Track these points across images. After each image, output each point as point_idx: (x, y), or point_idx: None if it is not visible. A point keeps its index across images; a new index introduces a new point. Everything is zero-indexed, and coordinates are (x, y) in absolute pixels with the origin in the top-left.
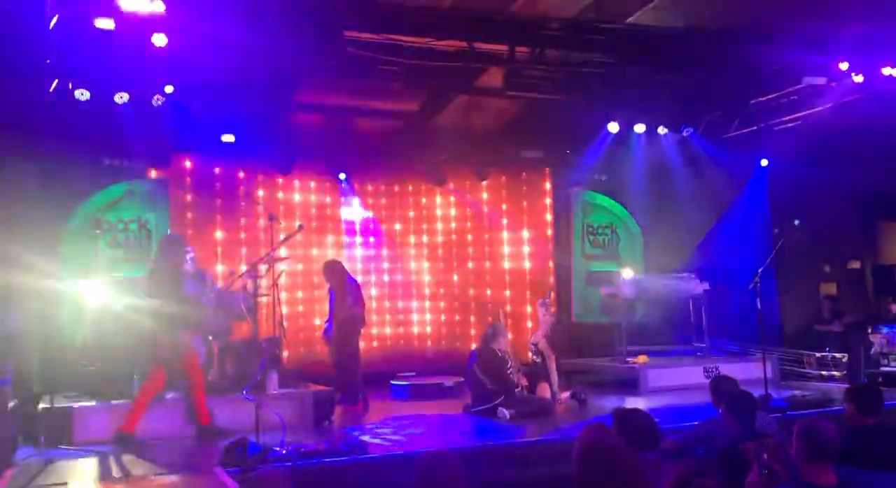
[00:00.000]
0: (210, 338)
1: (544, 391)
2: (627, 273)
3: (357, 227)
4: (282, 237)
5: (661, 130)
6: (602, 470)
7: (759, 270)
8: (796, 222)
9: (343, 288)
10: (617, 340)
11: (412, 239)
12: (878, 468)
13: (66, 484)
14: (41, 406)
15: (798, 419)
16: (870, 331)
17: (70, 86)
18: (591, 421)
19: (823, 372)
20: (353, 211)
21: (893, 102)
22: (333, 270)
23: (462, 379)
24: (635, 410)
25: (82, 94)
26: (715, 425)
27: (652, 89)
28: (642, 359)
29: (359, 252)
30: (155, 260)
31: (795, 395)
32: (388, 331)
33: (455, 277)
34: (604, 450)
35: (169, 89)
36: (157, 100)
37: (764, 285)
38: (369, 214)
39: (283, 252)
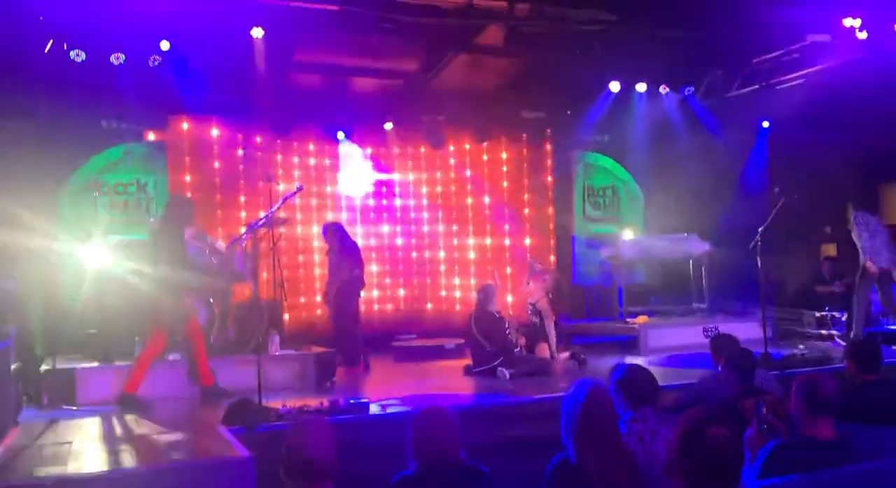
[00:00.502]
0: (211, 300)
1: (543, 351)
2: (628, 234)
3: (356, 190)
4: (280, 198)
5: (663, 90)
6: (582, 425)
7: (760, 229)
8: (776, 190)
9: (342, 250)
10: (617, 302)
11: (412, 201)
12: (878, 424)
13: (70, 442)
14: (43, 367)
15: (797, 376)
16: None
17: (65, 47)
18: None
19: (823, 332)
20: (353, 171)
21: None
22: (333, 232)
23: (463, 341)
24: (634, 366)
25: (78, 55)
26: (714, 382)
27: (653, 48)
28: (642, 319)
29: (358, 215)
30: (161, 222)
31: (795, 353)
32: (388, 293)
33: (455, 240)
34: (585, 408)
35: (165, 46)
36: (153, 60)
37: (765, 246)
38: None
39: (282, 214)
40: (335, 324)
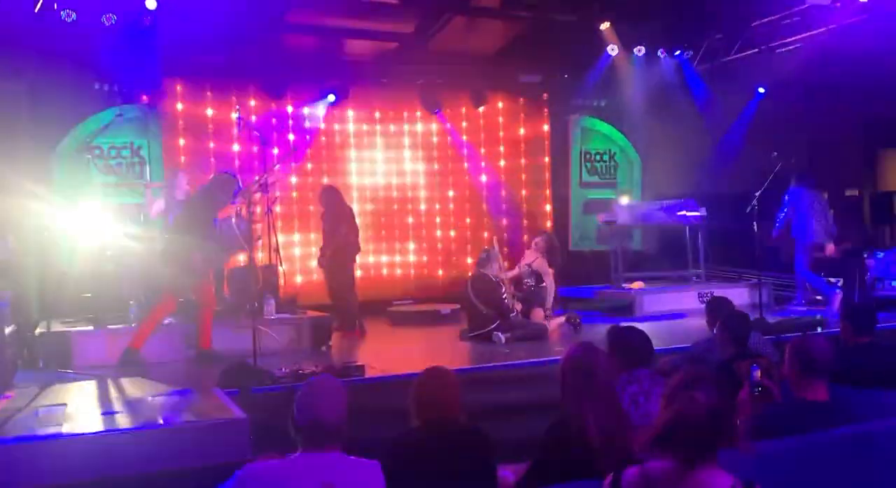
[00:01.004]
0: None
1: (538, 316)
2: (624, 199)
3: (352, 154)
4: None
5: (660, 53)
6: (580, 386)
7: (757, 194)
8: (774, 154)
9: (338, 214)
10: (613, 267)
11: (408, 166)
12: (870, 386)
13: (64, 404)
14: (39, 331)
15: (791, 338)
16: (866, 256)
17: (55, 6)
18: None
19: (818, 297)
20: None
21: None
22: (329, 196)
23: (459, 306)
24: (629, 327)
25: (69, 16)
26: (709, 345)
27: (652, 10)
28: (637, 284)
29: (354, 180)
30: (202, 192)
31: (790, 318)
32: (383, 258)
33: (451, 206)
34: (583, 366)
35: (151, 4)
36: (146, 20)
37: (761, 211)
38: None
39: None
40: (331, 288)
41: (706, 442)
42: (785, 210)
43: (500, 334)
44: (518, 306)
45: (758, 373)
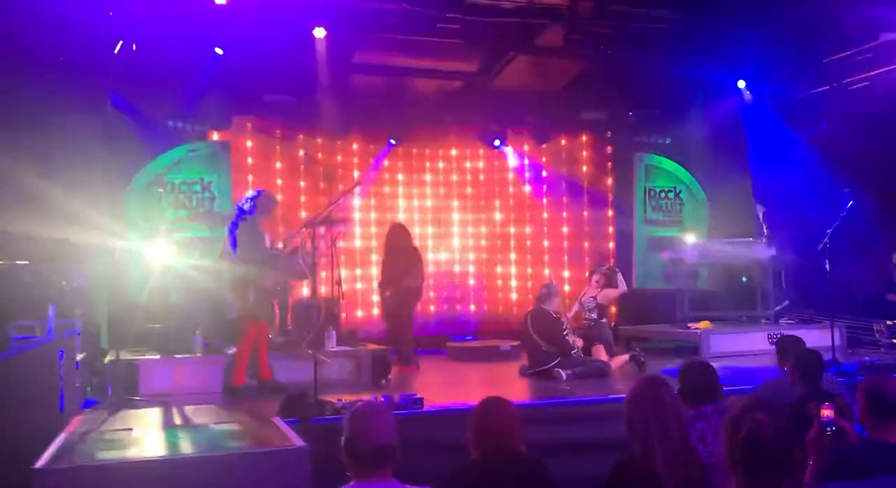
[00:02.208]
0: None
1: (599, 353)
2: (690, 238)
3: (413, 191)
4: (339, 195)
5: (741, 84)
6: (648, 419)
7: (829, 231)
8: (846, 191)
9: (409, 255)
10: (679, 307)
11: (469, 203)
12: None
13: (130, 429)
14: (108, 359)
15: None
16: None
17: (133, 47)
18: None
19: (894, 340)
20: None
21: None
22: (400, 234)
23: (518, 342)
24: (693, 361)
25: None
26: (778, 385)
27: (721, 47)
28: (704, 324)
29: (416, 216)
30: (250, 218)
31: (864, 362)
32: (444, 294)
33: (512, 242)
34: (651, 399)
35: (219, 51)
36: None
37: (834, 252)
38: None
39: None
40: (391, 326)
41: (776, 463)
42: None
43: (561, 371)
44: (579, 343)
45: (831, 413)
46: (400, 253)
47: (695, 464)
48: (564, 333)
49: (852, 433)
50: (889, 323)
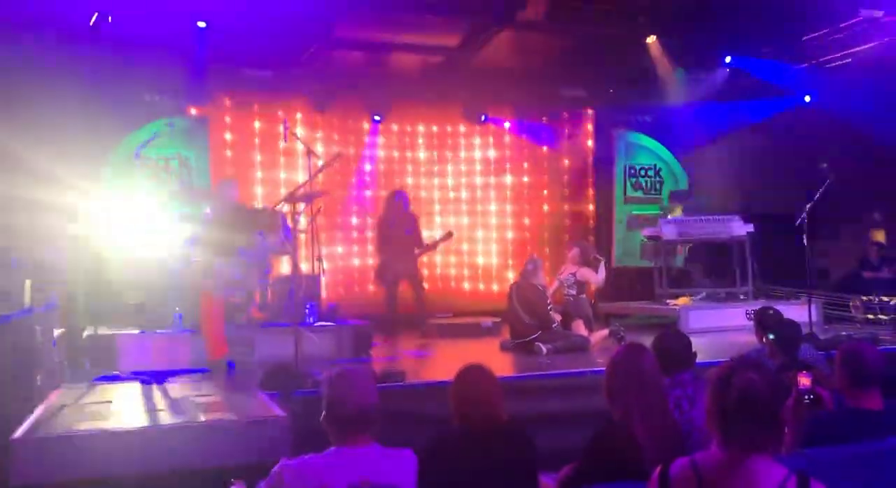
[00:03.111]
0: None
1: (579, 328)
2: (669, 215)
3: (394, 168)
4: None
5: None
6: (628, 386)
7: (808, 206)
8: (824, 165)
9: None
10: (657, 284)
11: (450, 181)
12: None
13: (110, 402)
14: (86, 334)
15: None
16: None
17: (110, 18)
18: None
19: (870, 316)
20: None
21: None
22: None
23: (499, 319)
24: (672, 331)
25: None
26: (757, 356)
27: (700, 24)
28: (683, 300)
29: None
30: (212, 206)
31: (841, 335)
32: (424, 272)
33: (493, 220)
34: (631, 366)
35: (201, 24)
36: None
37: (811, 229)
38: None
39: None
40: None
41: (768, 421)
42: None
43: (541, 345)
44: (557, 318)
45: (808, 381)
46: (411, 217)
47: (673, 430)
48: (548, 308)
49: (829, 401)
50: (865, 299)
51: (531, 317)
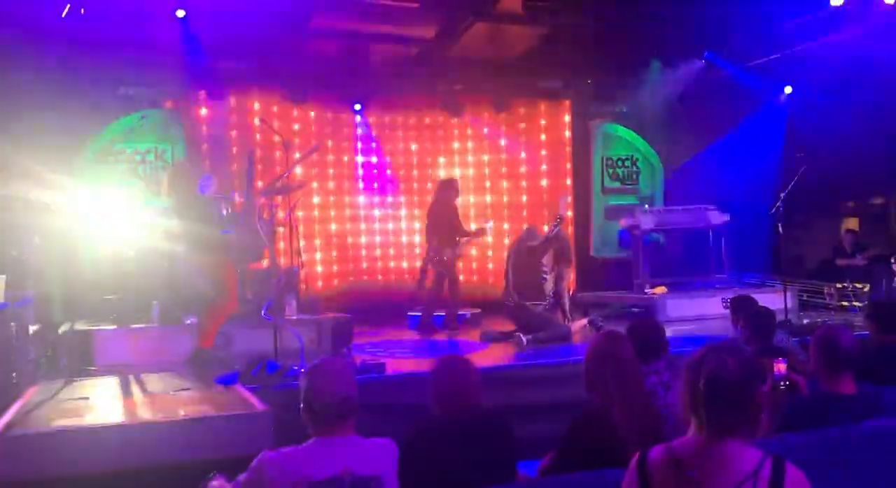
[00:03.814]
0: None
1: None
2: (646, 205)
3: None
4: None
5: (688, 58)
6: (607, 373)
7: (782, 194)
8: (799, 155)
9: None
10: (635, 273)
11: (429, 171)
12: None
13: (87, 398)
14: (61, 330)
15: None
16: (893, 262)
17: (82, 10)
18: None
19: (844, 302)
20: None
21: None
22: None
23: (479, 310)
24: (646, 320)
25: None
26: (734, 343)
27: (676, 14)
28: (660, 290)
29: (375, 185)
30: (170, 192)
31: (816, 322)
32: (405, 264)
33: (472, 211)
34: (609, 353)
35: (180, 13)
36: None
37: (785, 218)
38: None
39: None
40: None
41: (741, 404)
42: None
43: (522, 336)
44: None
45: (783, 366)
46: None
47: (652, 417)
48: (540, 274)
49: (804, 386)
50: (839, 286)
51: (517, 278)
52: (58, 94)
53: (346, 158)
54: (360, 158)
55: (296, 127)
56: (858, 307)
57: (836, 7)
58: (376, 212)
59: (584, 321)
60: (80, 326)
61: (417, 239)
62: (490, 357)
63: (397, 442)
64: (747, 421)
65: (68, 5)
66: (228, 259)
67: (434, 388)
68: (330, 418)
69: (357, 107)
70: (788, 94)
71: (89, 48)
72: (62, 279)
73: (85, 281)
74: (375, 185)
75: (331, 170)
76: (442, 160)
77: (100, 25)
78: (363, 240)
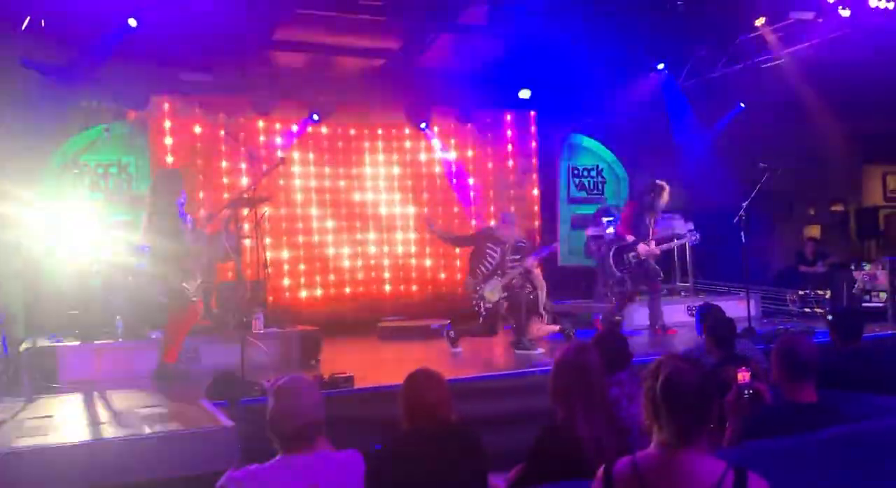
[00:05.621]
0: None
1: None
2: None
3: (339, 171)
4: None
5: (660, 67)
6: (572, 385)
7: (745, 204)
8: (761, 165)
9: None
10: (601, 282)
11: (396, 183)
12: (858, 391)
13: (50, 416)
14: (23, 347)
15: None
16: (853, 269)
17: (42, 23)
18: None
19: (806, 309)
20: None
21: (879, 38)
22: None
23: (449, 321)
24: (611, 332)
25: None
26: (697, 352)
27: (638, 26)
28: None
29: (342, 197)
30: (151, 198)
31: (779, 329)
32: (373, 275)
33: (439, 221)
34: (576, 366)
35: (132, 23)
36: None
37: (748, 226)
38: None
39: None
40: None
41: (698, 410)
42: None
43: (450, 330)
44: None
45: (747, 376)
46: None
47: (615, 430)
48: (507, 267)
49: (767, 395)
50: (801, 293)
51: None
52: (20, 107)
53: (312, 170)
54: (327, 169)
55: (261, 138)
56: (820, 313)
57: (794, 20)
58: (344, 224)
59: (556, 327)
60: (43, 343)
61: (387, 249)
62: (459, 368)
63: (366, 455)
64: (705, 429)
65: (28, 17)
66: (187, 269)
67: (403, 401)
68: (295, 438)
69: (315, 117)
70: (746, 106)
71: (50, 60)
72: (24, 294)
73: (48, 296)
74: (342, 197)
75: (297, 182)
76: (409, 171)
77: (60, 37)
78: (330, 251)
